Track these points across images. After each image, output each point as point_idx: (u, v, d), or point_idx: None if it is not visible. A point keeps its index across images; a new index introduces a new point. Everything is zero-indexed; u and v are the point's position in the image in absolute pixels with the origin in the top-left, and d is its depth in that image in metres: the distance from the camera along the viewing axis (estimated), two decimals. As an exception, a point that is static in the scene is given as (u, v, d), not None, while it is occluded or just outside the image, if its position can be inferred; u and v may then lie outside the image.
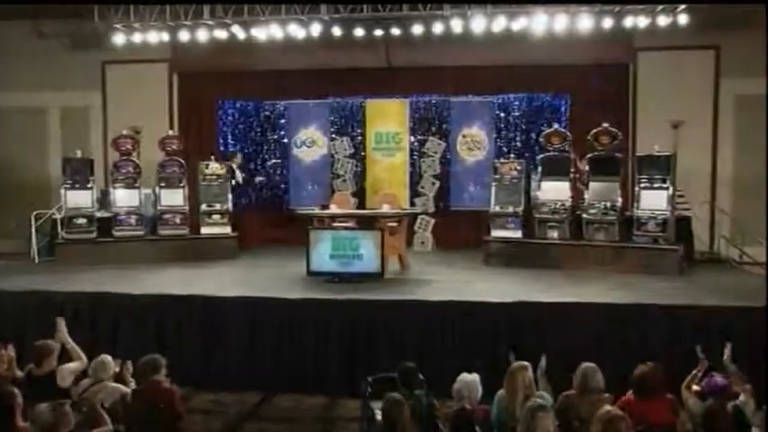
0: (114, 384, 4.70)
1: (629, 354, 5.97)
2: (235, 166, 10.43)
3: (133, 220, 9.53)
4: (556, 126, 9.58)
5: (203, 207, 9.91)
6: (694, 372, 4.71)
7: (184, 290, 7.21)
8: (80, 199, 9.39)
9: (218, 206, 9.94)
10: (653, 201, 8.44)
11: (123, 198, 9.58)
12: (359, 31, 9.77)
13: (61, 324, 5.14)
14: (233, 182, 10.25)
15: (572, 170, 9.00)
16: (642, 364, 4.38)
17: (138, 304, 6.96)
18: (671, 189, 8.45)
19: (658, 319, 6.35)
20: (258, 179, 11.66)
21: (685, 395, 4.55)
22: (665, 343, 6.17)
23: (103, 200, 9.86)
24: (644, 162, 8.69)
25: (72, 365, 4.89)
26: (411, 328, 6.54)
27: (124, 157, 9.70)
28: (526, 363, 4.45)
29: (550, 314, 6.45)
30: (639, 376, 4.30)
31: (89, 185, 9.48)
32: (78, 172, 9.47)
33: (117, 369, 4.86)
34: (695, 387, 4.58)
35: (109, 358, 4.82)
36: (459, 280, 7.93)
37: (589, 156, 8.95)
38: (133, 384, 4.76)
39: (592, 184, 8.85)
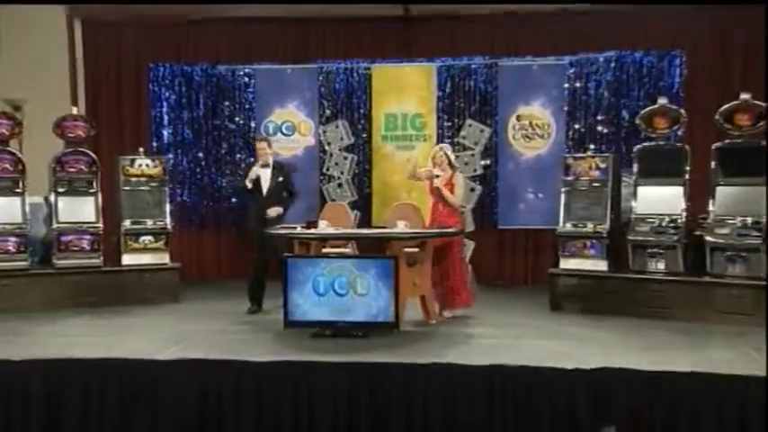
0: None
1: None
2: None
3: (12, 244, 9.51)
4: (662, 101, 9.60)
5: (127, 224, 10.03)
6: None
7: (97, 352, 7.12)
8: None
9: (149, 223, 10.09)
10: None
11: (-5, 210, 9.61)
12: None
13: None
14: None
15: (688, 168, 9.05)
16: None
17: (18, 375, 6.83)
18: None
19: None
20: None
21: None
22: None
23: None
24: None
25: None
26: (440, 406, 6.46)
27: (-4, 148, 9.79)
28: None
29: (655, 388, 6.34)
30: None
31: (-64, 192, 9.53)
32: None
33: None
34: None
35: None
36: (512, 334, 8.04)
37: (717, 145, 8.98)
38: None
39: (721, 190, 8.92)
